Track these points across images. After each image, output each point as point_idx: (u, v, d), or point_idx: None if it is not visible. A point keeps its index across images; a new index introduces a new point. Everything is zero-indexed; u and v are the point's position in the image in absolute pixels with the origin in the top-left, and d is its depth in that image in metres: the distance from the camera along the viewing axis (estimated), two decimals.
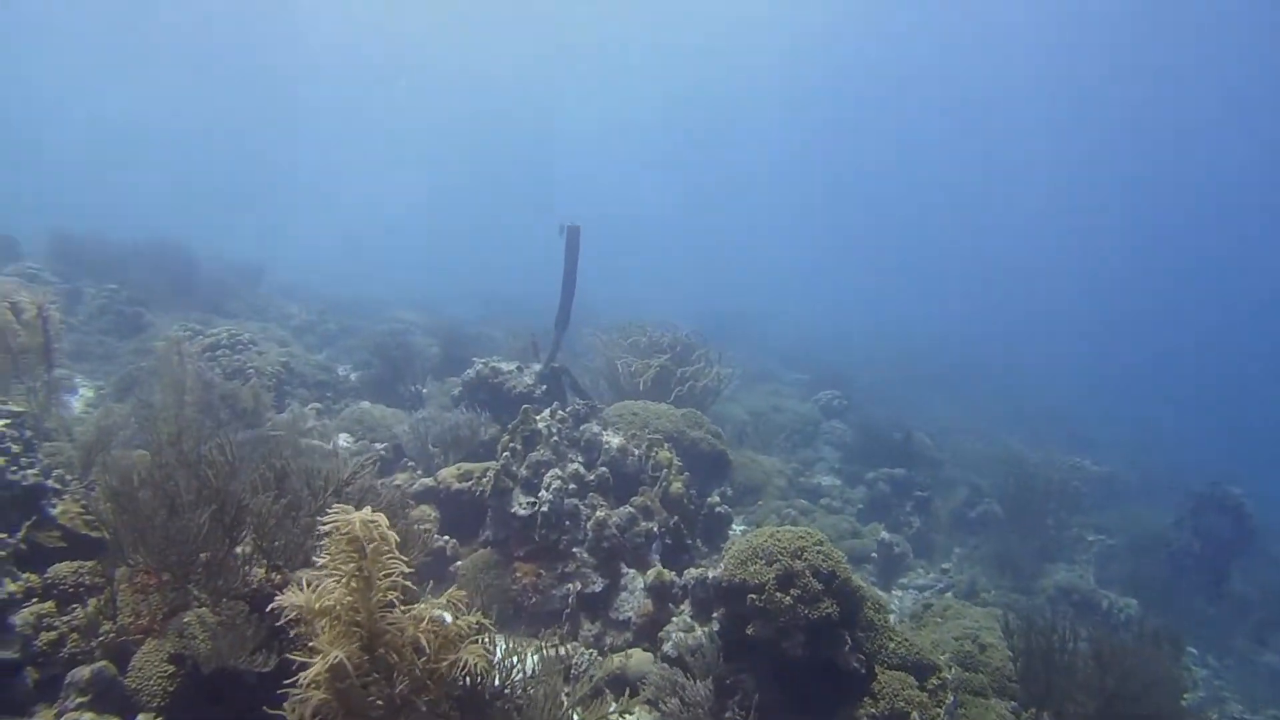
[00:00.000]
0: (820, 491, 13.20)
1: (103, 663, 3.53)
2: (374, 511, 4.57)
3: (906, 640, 5.80)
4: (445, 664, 3.36)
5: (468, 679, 3.63)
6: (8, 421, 4.29)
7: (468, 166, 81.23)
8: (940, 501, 13.67)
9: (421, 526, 7.41)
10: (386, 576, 3.18)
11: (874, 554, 10.53)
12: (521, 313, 21.10)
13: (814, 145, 78.81)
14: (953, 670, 5.88)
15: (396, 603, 3.29)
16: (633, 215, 76.34)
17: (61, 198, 37.52)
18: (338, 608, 3.13)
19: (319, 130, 75.85)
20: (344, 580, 3.10)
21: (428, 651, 3.31)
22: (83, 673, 3.47)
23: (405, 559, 3.22)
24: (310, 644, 3.03)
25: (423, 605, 3.54)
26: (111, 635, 3.63)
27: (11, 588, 3.62)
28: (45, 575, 4.08)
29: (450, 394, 11.19)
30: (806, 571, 5.37)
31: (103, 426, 5.07)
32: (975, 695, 5.89)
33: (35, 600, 3.90)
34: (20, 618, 3.72)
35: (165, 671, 3.52)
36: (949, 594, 10.19)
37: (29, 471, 4.28)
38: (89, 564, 4.18)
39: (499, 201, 77.77)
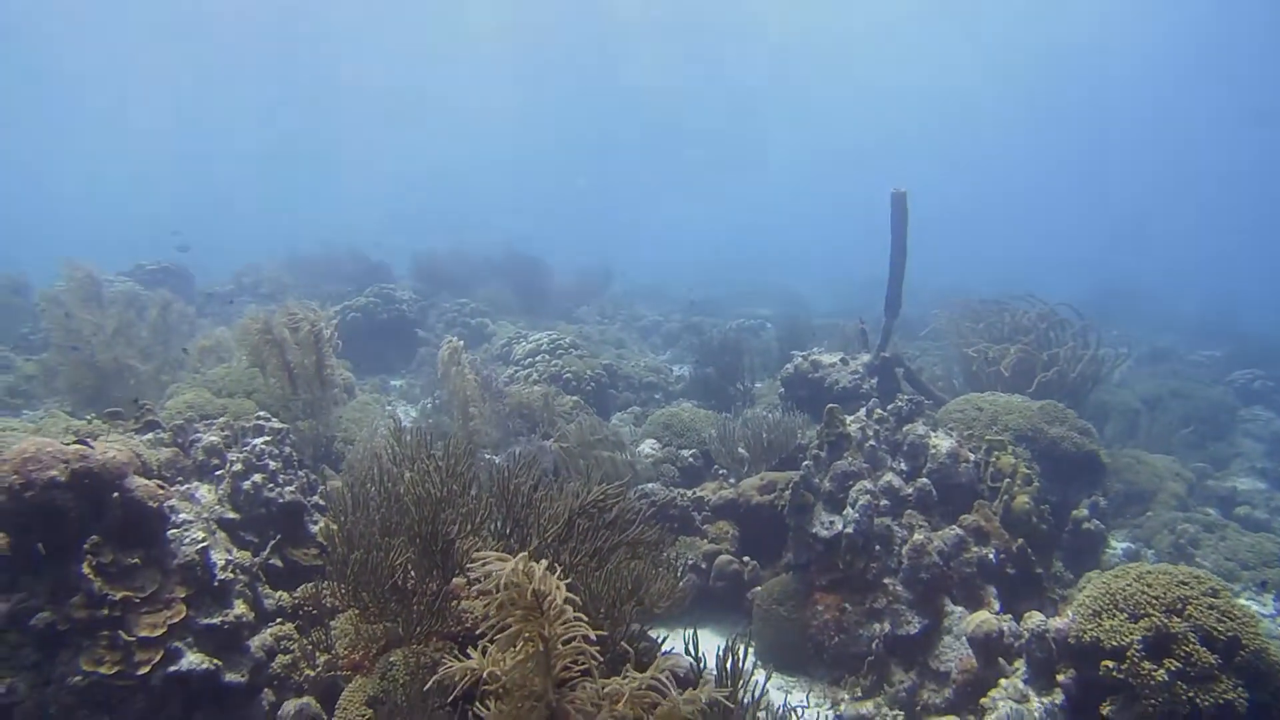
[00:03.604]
0: (1235, 499, 10.36)
1: (307, 699, 3.30)
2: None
3: None
4: None
5: None
6: (268, 439, 4.37)
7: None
8: None
9: (698, 551, 6.71)
10: (567, 645, 2.46)
11: None
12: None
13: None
14: None
15: (595, 672, 2.57)
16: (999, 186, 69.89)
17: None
18: (505, 679, 2.50)
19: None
20: (505, 645, 2.46)
21: None
22: (289, 709, 3.27)
23: (586, 619, 2.46)
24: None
25: (634, 677, 2.77)
26: (321, 670, 3.40)
27: (241, 609, 3.54)
28: (295, 594, 4.06)
29: (778, 392, 10.44)
30: (1190, 635, 3.77)
31: (369, 446, 5.10)
32: None
33: (279, 622, 3.86)
34: (258, 639, 3.66)
35: (364, 715, 3.17)
36: None
37: (286, 489, 4.31)
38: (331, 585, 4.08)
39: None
